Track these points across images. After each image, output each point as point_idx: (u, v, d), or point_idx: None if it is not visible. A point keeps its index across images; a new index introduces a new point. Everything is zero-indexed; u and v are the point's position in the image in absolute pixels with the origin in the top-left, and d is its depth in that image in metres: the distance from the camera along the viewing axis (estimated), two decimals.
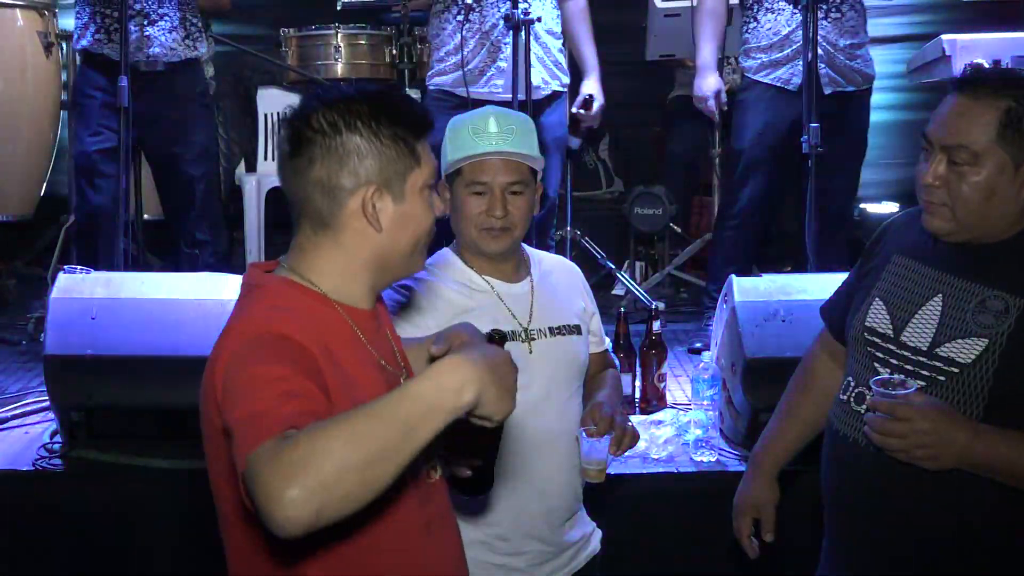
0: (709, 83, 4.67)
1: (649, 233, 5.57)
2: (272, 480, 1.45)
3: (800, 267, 4.39)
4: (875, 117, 6.60)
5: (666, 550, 3.36)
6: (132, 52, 4.34)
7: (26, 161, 5.50)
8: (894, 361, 2.14)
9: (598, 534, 2.67)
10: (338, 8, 5.31)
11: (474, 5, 4.37)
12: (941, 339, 2.09)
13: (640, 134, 6.20)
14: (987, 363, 2.04)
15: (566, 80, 4.58)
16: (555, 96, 4.52)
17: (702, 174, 6.07)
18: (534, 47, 4.37)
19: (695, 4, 4.90)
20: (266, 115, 5.62)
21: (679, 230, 5.77)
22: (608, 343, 2.73)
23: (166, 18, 4.53)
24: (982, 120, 2.05)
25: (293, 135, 1.81)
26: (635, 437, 2.44)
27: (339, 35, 5.17)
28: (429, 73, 4.67)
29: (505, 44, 4.37)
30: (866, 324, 2.21)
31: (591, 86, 4.63)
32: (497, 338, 1.85)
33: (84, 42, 4.54)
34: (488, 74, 4.42)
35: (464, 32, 4.38)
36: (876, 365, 2.17)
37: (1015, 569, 2.10)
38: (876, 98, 6.57)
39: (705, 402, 3.77)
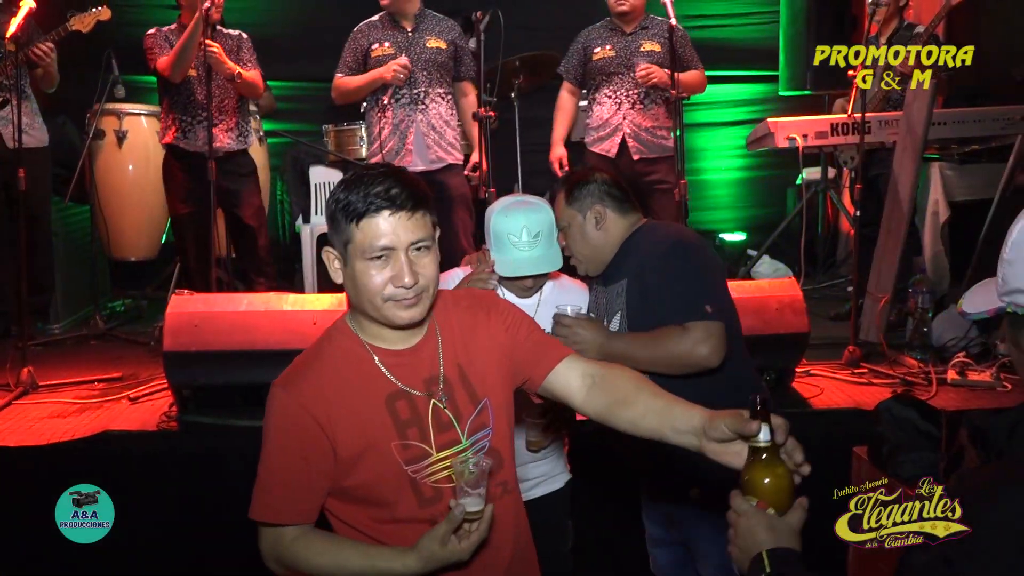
0: (555, 153, 4.72)
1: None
2: (270, 563, 1.63)
3: None
4: (728, 176, 6.76)
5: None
6: (200, 145, 4.37)
7: (151, 219, 5.50)
8: None
9: (563, 478, 2.54)
10: (360, 111, 5.33)
11: (387, 106, 4.39)
12: (609, 326, 2.34)
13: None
14: (623, 325, 2.30)
15: (459, 155, 4.54)
16: (451, 166, 4.49)
17: None
18: (432, 134, 4.42)
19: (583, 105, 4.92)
20: (316, 184, 5.60)
21: None
22: None
23: (224, 122, 4.55)
24: (560, 200, 2.39)
25: None
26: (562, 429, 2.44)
27: (362, 128, 5.15)
28: (366, 153, 4.73)
29: (409, 131, 4.40)
30: None
31: (476, 156, 4.50)
32: (760, 409, 1.40)
33: (168, 139, 4.58)
34: (401, 153, 4.42)
35: (382, 125, 4.42)
36: None
37: None
38: (731, 161, 6.72)
39: None
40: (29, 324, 4.25)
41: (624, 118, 4.60)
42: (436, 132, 4.46)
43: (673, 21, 4.15)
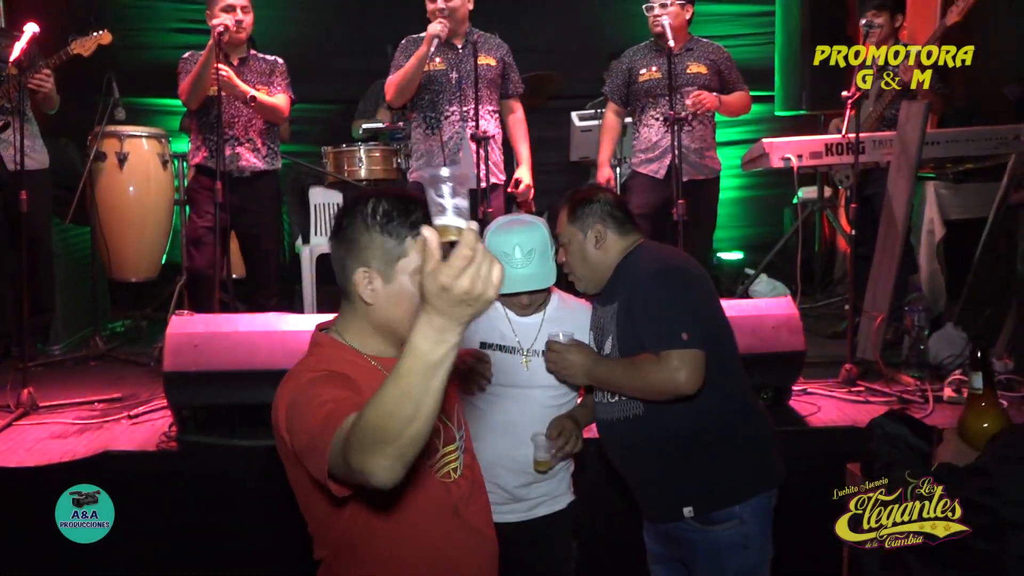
0: (603, 174, 4.74)
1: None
2: (355, 458, 1.34)
3: None
4: (725, 195, 6.76)
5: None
6: (227, 164, 4.37)
7: (152, 240, 5.50)
8: None
9: (567, 499, 2.53)
10: (360, 133, 5.34)
11: (435, 123, 4.39)
12: (604, 346, 2.37)
13: None
14: (615, 348, 2.32)
15: (502, 175, 4.57)
16: (496, 186, 4.49)
17: None
18: (482, 153, 4.41)
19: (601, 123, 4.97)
20: (315, 205, 5.61)
21: None
22: None
23: (251, 142, 4.55)
24: (562, 216, 2.41)
25: (335, 223, 1.74)
26: (571, 452, 2.41)
27: (361, 150, 5.16)
28: (409, 171, 4.72)
29: (460, 149, 4.39)
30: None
31: (521, 172, 4.58)
32: (975, 358, 1.43)
33: (198, 159, 4.57)
34: None
35: (431, 143, 4.39)
36: None
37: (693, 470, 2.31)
38: (728, 181, 6.74)
39: None
40: (30, 345, 4.24)
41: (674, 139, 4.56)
42: (487, 152, 4.44)
43: (672, 44, 4.18)
